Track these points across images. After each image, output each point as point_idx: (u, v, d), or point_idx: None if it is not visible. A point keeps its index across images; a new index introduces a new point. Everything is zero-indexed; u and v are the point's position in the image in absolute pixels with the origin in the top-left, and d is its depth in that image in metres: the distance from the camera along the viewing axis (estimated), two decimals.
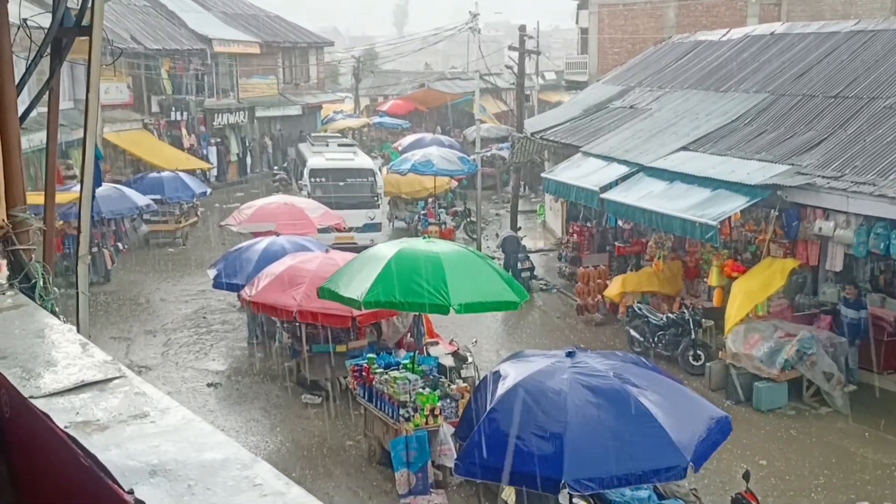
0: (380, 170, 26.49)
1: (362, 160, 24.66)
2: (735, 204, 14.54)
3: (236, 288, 14.91)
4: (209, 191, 26.73)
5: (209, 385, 14.29)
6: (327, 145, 25.98)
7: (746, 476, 9.29)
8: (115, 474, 1.56)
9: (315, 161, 23.75)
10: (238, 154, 37.44)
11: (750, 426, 12.67)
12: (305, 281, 12.77)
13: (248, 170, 37.88)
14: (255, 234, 17.33)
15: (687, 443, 6.98)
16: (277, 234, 16.34)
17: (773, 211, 14.89)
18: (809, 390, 13.40)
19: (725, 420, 7.75)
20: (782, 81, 18.50)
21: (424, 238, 12.44)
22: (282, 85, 41.50)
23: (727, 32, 23.49)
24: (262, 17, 43.09)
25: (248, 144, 38.23)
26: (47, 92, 3.60)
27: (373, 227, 22.69)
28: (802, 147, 15.47)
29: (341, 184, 22.91)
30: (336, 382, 13.66)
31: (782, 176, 14.52)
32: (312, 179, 22.97)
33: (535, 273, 21.11)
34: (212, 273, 15.67)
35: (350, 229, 21.24)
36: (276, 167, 36.63)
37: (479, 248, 22.95)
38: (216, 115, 35.90)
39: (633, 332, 16.22)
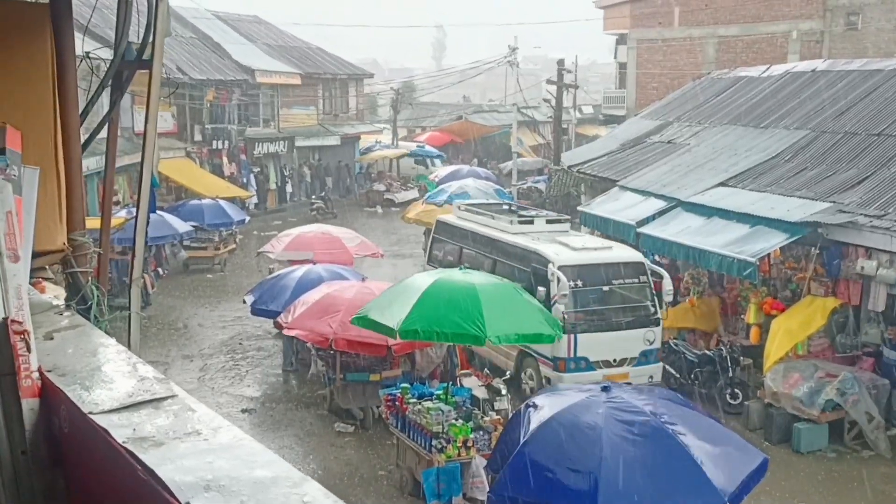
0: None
1: (625, 249, 15.67)
2: (775, 241, 14.40)
3: (273, 314, 15.06)
4: (248, 218, 27.12)
5: (243, 411, 14.41)
6: (493, 218, 17.28)
7: None
8: (171, 488, 1.62)
9: (562, 255, 14.45)
10: (277, 183, 37.99)
11: (789, 468, 12.42)
12: (342, 309, 12.87)
13: (288, 198, 38.38)
14: (292, 262, 17.53)
15: (723, 482, 6.89)
16: (314, 263, 16.52)
17: (813, 249, 14.70)
18: (851, 432, 13.11)
19: (763, 460, 7.63)
20: (824, 118, 18.36)
21: (461, 269, 12.48)
22: (321, 115, 42.11)
23: (767, 69, 23.41)
24: (304, 49, 43.90)
25: (287, 173, 38.79)
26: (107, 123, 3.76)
27: (650, 354, 14.43)
28: (844, 185, 15.30)
29: (605, 289, 14.44)
30: (369, 411, 13.68)
31: (823, 213, 14.36)
32: (570, 283, 13.91)
33: None
34: (249, 300, 15.86)
35: (620, 361, 14.09)
36: (314, 196, 37.06)
37: None
38: (257, 144, 36.51)
39: (669, 368, 16.02)
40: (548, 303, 13.53)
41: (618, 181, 20.26)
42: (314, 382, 14.96)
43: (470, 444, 10.67)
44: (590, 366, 13.67)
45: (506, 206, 18.68)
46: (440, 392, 11.71)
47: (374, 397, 13.03)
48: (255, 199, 35.01)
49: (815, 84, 20.30)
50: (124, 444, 1.81)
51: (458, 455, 10.62)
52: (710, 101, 23.16)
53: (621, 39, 37.95)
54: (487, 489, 10.00)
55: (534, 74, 50.14)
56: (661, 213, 17.41)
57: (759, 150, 18.51)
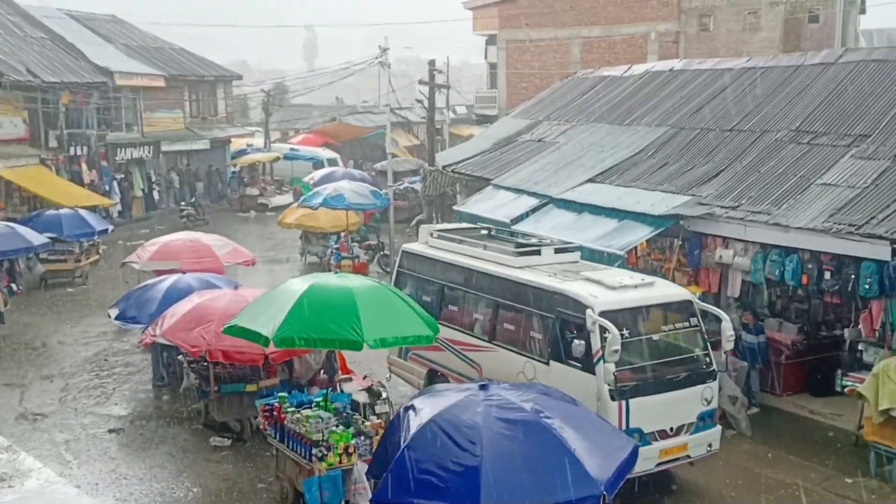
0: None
1: (669, 286, 12.50)
2: (641, 234, 14.96)
3: (139, 326, 14.35)
4: (111, 228, 25.78)
5: (111, 431, 13.64)
6: (485, 247, 13.45)
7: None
8: None
9: (601, 297, 11.16)
10: (143, 189, 36.39)
11: None
12: (214, 319, 12.40)
13: (155, 205, 36.83)
14: (158, 273, 16.76)
15: (600, 472, 7.05)
16: (183, 272, 15.85)
17: (676, 240, 15.39)
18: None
19: (634, 448, 7.87)
20: (681, 115, 19.25)
21: (337, 273, 12.27)
22: (188, 119, 40.67)
23: (629, 68, 24.35)
24: (167, 50, 42.23)
25: (153, 179, 37.22)
26: None
27: (708, 417, 11.42)
28: (702, 178, 16.09)
29: (654, 338, 11.47)
30: (247, 423, 13.26)
31: (684, 206, 15.05)
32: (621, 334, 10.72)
33: None
34: (114, 312, 15.05)
35: (676, 430, 11.06)
36: (183, 202, 35.73)
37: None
38: (119, 149, 34.84)
39: None
40: (587, 361, 10.76)
41: (492, 180, 20.54)
42: (187, 396, 14.36)
43: (351, 450, 10.50)
44: (644, 439, 10.60)
45: (485, 231, 14.65)
46: (319, 399, 11.48)
47: (252, 408, 12.63)
48: (118, 207, 33.41)
49: (672, 83, 21.27)
50: None
51: (340, 462, 10.44)
52: (577, 100, 23.86)
53: (491, 40, 38.52)
54: (370, 495, 9.89)
55: (406, 75, 50.20)
56: (534, 210, 17.78)
57: (623, 146, 19.21)
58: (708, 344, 11.60)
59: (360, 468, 10.33)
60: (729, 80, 19.66)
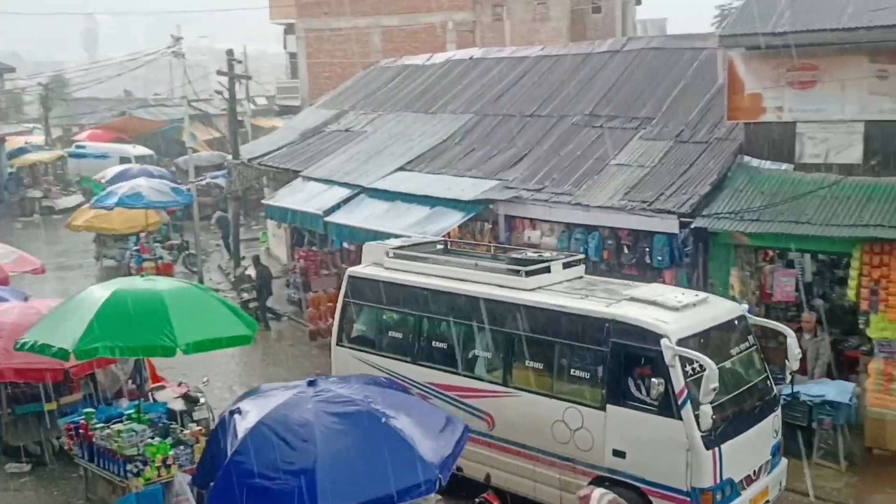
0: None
1: (721, 301, 10.62)
2: (454, 219, 15.26)
3: None
4: None
5: None
6: (475, 266, 11.15)
7: (487, 479, 9.71)
8: None
9: (671, 322, 9.24)
10: None
11: None
12: (3, 334, 11.24)
13: None
14: None
15: (433, 456, 7.10)
16: None
17: (487, 224, 15.86)
18: None
19: (464, 428, 8.01)
20: (484, 103, 19.84)
21: (142, 276, 11.51)
22: None
23: (430, 57, 24.75)
24: None
25: None
26: None
27: (777, 450, 9.99)
28: (507, 163, 16.67)
29: (727, 366, 9.54)
30: (48, 445, 12.17)
31: (493, 191, 15.53)
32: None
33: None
34: None
35: (757, 472, 9.50)
36: None
37: (201, 282, 21.90)
38: None
39: None
40: (666, 404, 8.83)
41: (301, 172, 20.16)
42: None
43: (170, 461, 9.96)
44: (735, 490, 9.03)
45: (441, 245, 12.61)
46: (131, 411, 10.77)
47: (54, 428, 11.64)
48: None
49: (473, 71, 21.86)
50: None
51: (159, 476, 9.87)
52: (382, 89, 23.93)
53: (289, 29, 37.77)
54: None
55: (202, 66, 48.13)
56: (347, 200, 17.64)
57: (430, 134, 19.51)
58: (765, 364, 10.19)
59: (182, 479, 9.82)
60: (526, 68, 20.49)
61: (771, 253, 13.30)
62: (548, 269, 10.62)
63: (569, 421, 9.51)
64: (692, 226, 12.76)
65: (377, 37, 33.44)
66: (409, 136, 19.90)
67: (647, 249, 13.47)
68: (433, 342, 11.09)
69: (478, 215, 15.50)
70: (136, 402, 11.12)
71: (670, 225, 13.11)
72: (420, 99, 21.91)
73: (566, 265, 10.94)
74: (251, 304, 19.14)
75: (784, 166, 13.20)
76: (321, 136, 22.63)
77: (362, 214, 16.74)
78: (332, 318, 17.77)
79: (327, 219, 17.16)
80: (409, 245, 12.40)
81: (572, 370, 9.77)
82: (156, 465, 9.88)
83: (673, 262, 13.23)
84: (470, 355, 10.69)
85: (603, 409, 9.29)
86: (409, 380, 10.86)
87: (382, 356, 11.48)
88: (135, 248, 23.76)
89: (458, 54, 24.18)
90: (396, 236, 15.04)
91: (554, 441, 9.61)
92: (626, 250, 13.84)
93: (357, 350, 11.84)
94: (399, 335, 11.54)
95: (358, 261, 19.74)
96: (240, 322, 10.29)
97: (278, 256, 25.42)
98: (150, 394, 12.36)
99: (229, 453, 6.89)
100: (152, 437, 10.18)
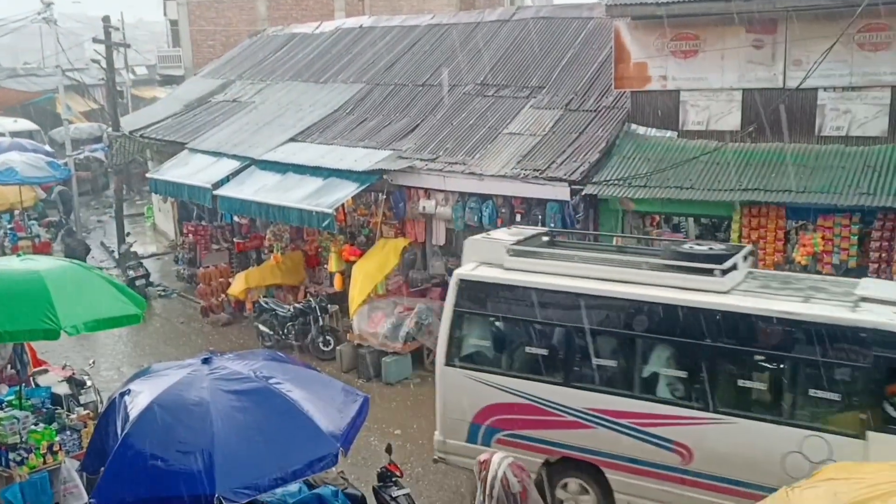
0: None
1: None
2: (347, 190, 15.10)
3: None
4: None
5: None
6: (640, 265, 9.28)
7: (389, 449, 9.74)
8: None
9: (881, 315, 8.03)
10: None
11: (382, 400, 13.33)
12: None
13: None
14: None
15: (334, 429, 7.04)
16: None
17: (381, 195, 15.77)
18: (430, 357, 14.49)
19: (364, 399, 7.99)
20: (375, 72, 19.62)
21: (18, 256, 10.86)
22: None
23: (319, 25, 24.25)
24: None
25: None
26: None
27: None
28: (401, 133, 16.58)
29: None
30: None
31: (386, 161, 15.43)
32: None
33: (150, 280, 19.89)
34: None
35: None
36: None
37: (84, 259, 20.91)
38: None
39: (261, 327, 16.07)
40: None
41: (186, 144, 19.47)
42: None
43: (56, 448, 9.51)
44: None
45: (546, 238, 10.73)
46: (11, 397, 10.21)
47: None
48: None
49: (363, 39, 21.56)
50: None
51: (45, 463, 9.41)
52: (270, 59, 23.31)
53: None
54: (85, 494, 9.06)
55: (75, 33, 45.46)
56: (236, 173, 17.18)
57: (321, 104, 19.17)
58: None
59: (70, 465, 9.43)
60: (417, 36, 20.37)
61: (657, 218, 13.82)
62: (735, 266, 8.96)
63: (809, 453, 7.99)
64: (582, 193, 13.08)
65: (263, 4, 32.47)
66: (299, 107, 19.49)
67: (540, 217, 13.73)
68: (594, 360, 9.18)
69: (372, 186, 15.39)
70: (17, 388, 10.56)
71: (562, 192, 13.38)
72: (310, 68, 21.46)
73: (745, 257, 9.30)
74: (137, 283, 18.48)
75: (669, 133, 13.68)
76: (207, 106, 21.88)
77: (253, 187, 16.34)
78: (225, 293, 17.50)
79: (216, 192, 16.67)
80: (524, 239, 10.31)
81: (811, 390, 8.17)
82: (41, 452, 9.42)
83: (565, 228, 13.54)
84: (649, 374, 8.97)
85: (862, 436, 7.86)
86: (559, 405, 9.22)
87: (515, 377, 9.58)
88: (9, 226, 22.43)
89: (348, 23, 23.78)
90: (289, 209, 14.70)
91: (787, 477, 7.61)
92: (519, 218, 14.06)
93: (475, 370, 9.86)
94: (541, 352, 9.52)
95: (250, 234, 19.35)
96: (127, 301, 9.87)
97: (165, 232, 24.56)
98: (31, 378, 11.76)
99: (120, 437, 6.62)
100: (36, 424, 9.70)
